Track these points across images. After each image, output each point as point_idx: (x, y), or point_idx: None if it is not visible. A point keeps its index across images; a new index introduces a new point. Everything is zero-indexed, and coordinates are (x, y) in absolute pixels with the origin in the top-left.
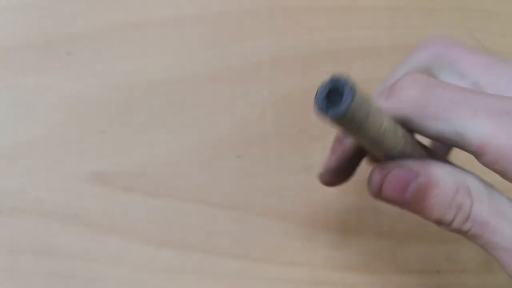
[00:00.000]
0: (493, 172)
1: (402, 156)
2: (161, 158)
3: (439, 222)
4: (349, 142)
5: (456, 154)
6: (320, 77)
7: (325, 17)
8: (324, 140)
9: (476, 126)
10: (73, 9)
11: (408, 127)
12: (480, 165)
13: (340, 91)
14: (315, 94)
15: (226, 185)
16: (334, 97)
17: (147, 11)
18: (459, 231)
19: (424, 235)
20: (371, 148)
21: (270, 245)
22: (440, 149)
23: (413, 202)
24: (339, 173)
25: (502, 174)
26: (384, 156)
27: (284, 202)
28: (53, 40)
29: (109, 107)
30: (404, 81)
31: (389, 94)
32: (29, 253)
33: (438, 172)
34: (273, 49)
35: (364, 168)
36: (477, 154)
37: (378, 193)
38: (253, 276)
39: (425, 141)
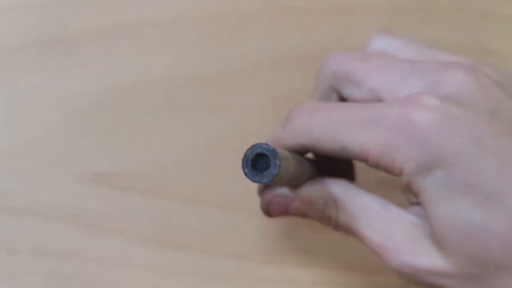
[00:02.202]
0: None
1: (292, 178)
2: (161, 158)
3: None
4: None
5: None
6: None
7: (325, 17)
8: None
9: (353, 138)
10: (73, 9)
11: (306, 149)
12: None
13: (266, 158)
14: (242, 158)
15: (226, 185)
16: (260, 161)
17: (147, 11)
18: None
19: None
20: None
21: (270, 246)
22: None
23: (298, 216)
24: None
25: (386, 171)
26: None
27: None
28: (53, 40)
29: (109, 107)
30: (293, 111)
31: (285, 124)
32: (28, 253)
33: (310, 193)
34: (273, 49)
35: (364, 168)
36: (363, 160)
37: (269, 215)
38: (253, 276)
39: None
